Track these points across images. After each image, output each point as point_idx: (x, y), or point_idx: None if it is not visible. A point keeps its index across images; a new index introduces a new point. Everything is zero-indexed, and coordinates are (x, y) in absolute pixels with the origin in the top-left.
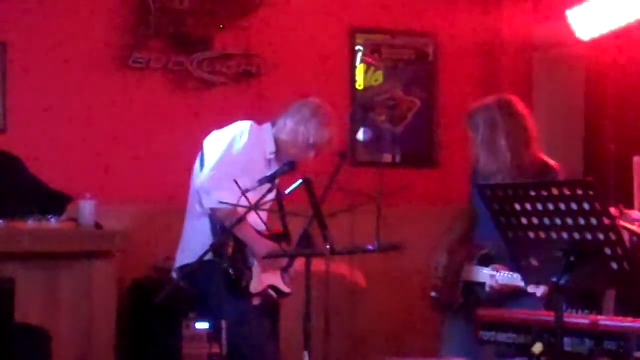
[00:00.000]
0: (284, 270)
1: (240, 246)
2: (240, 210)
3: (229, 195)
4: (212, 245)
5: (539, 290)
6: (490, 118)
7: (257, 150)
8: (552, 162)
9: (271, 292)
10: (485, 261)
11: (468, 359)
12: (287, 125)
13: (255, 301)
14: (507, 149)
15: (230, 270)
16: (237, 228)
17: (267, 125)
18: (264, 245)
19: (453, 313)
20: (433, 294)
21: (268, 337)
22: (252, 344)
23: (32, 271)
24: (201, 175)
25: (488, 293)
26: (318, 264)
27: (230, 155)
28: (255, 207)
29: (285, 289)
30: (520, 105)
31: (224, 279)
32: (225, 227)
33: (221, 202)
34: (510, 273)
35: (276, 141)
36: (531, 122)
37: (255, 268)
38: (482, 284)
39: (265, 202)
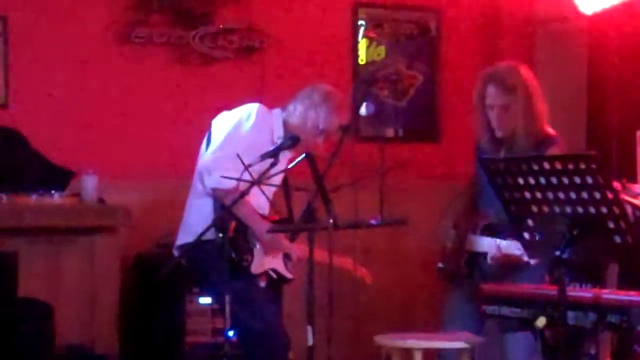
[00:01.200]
0: (287, 257)
1: (242, 227)
2: (242, 189)
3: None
4: (213, 221)
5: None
6: (525, 82)
7: (264, 134)
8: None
9: (272, 274)
10: (489, 231)
11: (470, 332)
12: (297, 109)
13: (262, 283)
14: (540, 113)
15: (232, 252)
16: (238, 207)
17: (277, 110)
18: (265, 226)
19: (457, 286)
20: (440, 265)
21: (275, 317)
22: (259, 322)
23: (35, 246)
24: (205, 155)
25: (489, 265)
26: (321, 255)
27: (235, 137)
28: (258, 181)
29: (288, 275)
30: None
31: (224, 258)
32: (226, 206)
33: (223, 177)
34: (515, 242)
35: (285, 126)
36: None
37: (257, 250)
38: (485, 255)
39: (269, 177)
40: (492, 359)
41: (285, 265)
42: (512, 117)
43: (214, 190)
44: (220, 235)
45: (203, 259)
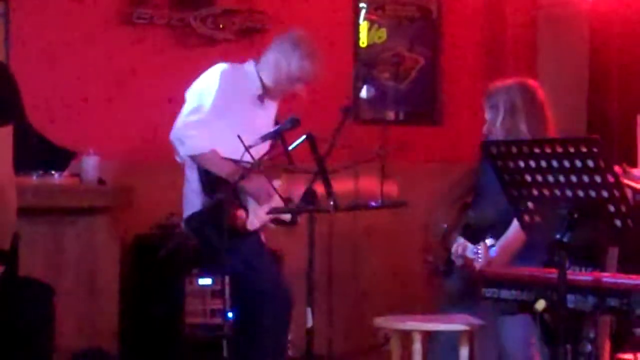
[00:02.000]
0: (289, 200)
1: (231, 187)
2: (214, 151)
3: (202, 141)
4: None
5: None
6: (511, 101)
7: (236, 91)
8: None
9: (272, 224)
10: (466, 232)
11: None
12: (270, 60)
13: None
14: (526, 135)
15: (223, 213)
16: (208, 164)
17: (249, 63)
18: (234, 172)
19: (443, 282)
20: (429, 258)
21: (277, 283)
22: (260, 291)
23: (36, 226)
24: (175, 124)
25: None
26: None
27: (202, 101)
28: (258, 164)
29: (287, 218)
30: (540, 92)
31: (217, 221)
32: (206, 172)
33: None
34: (473, 245)
35: (261, 78)
36: (550, 112)
37: (251, 204)
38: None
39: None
40: (487, 345)
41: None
42: (499, 132)
43: (191, 157)
44: (210, 199)
45: (201, 229)
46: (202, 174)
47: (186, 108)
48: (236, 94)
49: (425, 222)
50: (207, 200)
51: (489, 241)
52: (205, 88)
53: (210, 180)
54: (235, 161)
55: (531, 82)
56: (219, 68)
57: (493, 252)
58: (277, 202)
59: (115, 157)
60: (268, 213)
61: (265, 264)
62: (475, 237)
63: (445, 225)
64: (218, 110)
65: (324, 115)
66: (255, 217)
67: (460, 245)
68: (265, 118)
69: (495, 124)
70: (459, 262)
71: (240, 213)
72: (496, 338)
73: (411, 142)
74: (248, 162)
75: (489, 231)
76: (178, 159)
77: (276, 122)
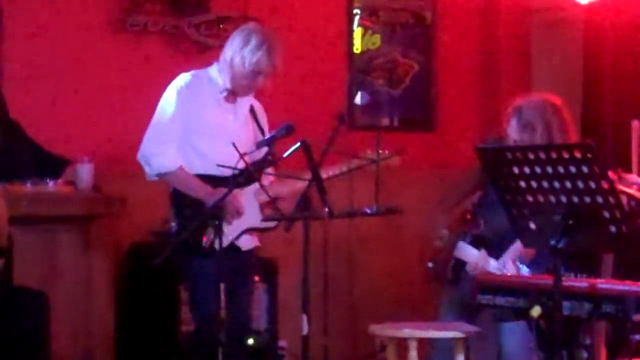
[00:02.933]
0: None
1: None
2: (182, 169)
3: (168, 159)
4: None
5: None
6: (546, 119)
7: (196, 99)
8: None
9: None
10: (478, 242)
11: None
12: (225, 59)
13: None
14: None
15: (189, 234)
16: (175, 182)
17: (212, 66)
18: (207, 190)
19: (445, 289)
20: (430, 264)
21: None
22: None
23: (30, 235)
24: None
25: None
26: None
27: (163, 117)
28: (253, 169)
29: (261, 225)
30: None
31: (181, 242)
32: (177, 192)
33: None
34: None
35: (222, 77)
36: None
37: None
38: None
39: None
40: (486, 352)
41: (265, 212)
42: None
43: (159, 177)
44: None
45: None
46: (171, 193)
47: (150, 126)
48: (198, 101)
49: (424, 227)
50: (177, 222)
51: (517, 259)
52: (164, 103)
53: (178, 199)
54: (207, 177)
55: (556, 99)
56: (175, 81)
57: (525, 271)
58: (251, 218)
59: (110, 165)
60: (262, 220)
61: (206, 288)
62: (490, 249)
63: (446, 231)
64: (181, 124)
65: (318, 121)
66: (230, 231)
67: (481, 259)
68: (238, 117)
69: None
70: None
71: (208, 234)
72: (496, 344)
73: (405, 148)
74: (242, 169)
75: (504, 242)
76: (147, 178)
77: (260, 129)
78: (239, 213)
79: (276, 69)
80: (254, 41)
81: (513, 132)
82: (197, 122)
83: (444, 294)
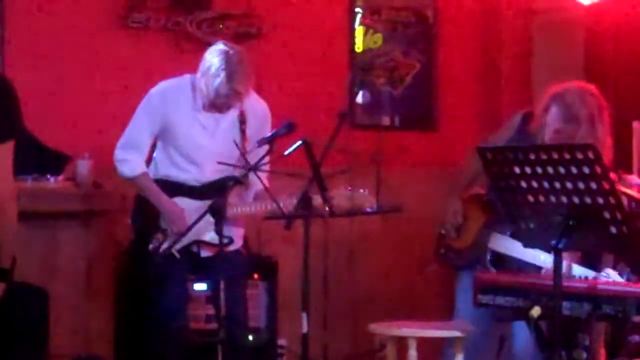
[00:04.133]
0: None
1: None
2: (143, 176)
3: (134, 165)
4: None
5: None
6: (590, 110)
7: (170, 108)
8: None
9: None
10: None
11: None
12: (197, 76)
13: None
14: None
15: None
16: (142, 188)
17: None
18: (167, 206)
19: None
20: (442, 250)
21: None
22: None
23: (30, 231)
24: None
25: None
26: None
27: (132, 124)
28: (254, 167)
29: (208, 240)
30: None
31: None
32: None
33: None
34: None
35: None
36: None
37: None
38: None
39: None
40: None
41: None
42: (568, 140)
43: (127, 180)
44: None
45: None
46: (135, 196)
47: (126, 130)
48: (171, 111)
49: (424, 226)
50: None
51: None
52: (137, 110)
53: (139, 203)
54: (177, 184)
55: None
56: (153, 89)
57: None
58: (199, 231)
59: (111, 161)
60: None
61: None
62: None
63: (462, 219)
64: (150, 132)
65: (319, 119)
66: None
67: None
68: (219, 126)
69: (575, 136)
70: None
71: (158, 236)
72: (496, 341)
73: (406, 147)
74: (242, 167)
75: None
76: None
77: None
78: (181, 223)
79: (238, 93)
80: (214, 67)
81: (555, 122)
82: (173, 131)
83: (461, 280)
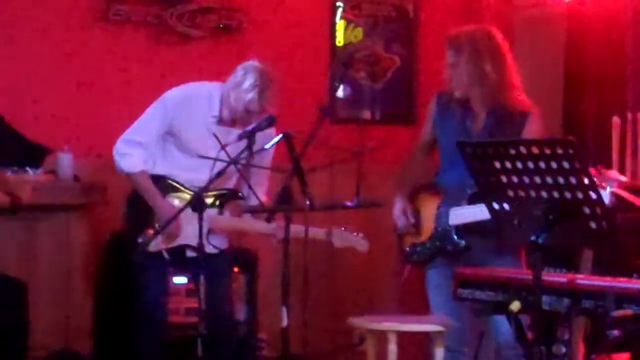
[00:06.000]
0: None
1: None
2: (142, 174)
3: (135, 162)
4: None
5: None
6: (475, 44)
7: (183, 118)
8: (531, 106)
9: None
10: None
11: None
12: (224, 90)
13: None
14: (492, 75)
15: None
16: (135, 184)
17: (216, 86)
18: (160, 205)
19: (433, 265)
20: (407, 249)
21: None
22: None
23: (10, 223)
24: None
25: None
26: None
27: (143, 122)
28: (234, 161)
29: (204, 249)
30: (502, 38)
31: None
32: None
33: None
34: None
35: (222, 102)
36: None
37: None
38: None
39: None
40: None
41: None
42: (460, 76)
43: (123, 174)
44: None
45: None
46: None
47: (133, 125)
48: (184, 121)
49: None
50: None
51: None
52: (150, 111)
53: (133, 199)
54: (175, 185)
55: (493, 28)
56: (170, 93)
57: None
58: (188, 237)
59: (90, 154)
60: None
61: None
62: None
63: (412, 207)
64: (158, 136)
65: (300, 113)
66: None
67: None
68: (227, 141)
69: (457, 66)
70: None
71: (148, 232)
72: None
73: (387, 141)
74: (225, 160)
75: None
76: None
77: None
78: (175, 233)
79: (264, 108)
80: (248, 81)
81: (447, 58)
82: (180, 136)
83: (429, 278)
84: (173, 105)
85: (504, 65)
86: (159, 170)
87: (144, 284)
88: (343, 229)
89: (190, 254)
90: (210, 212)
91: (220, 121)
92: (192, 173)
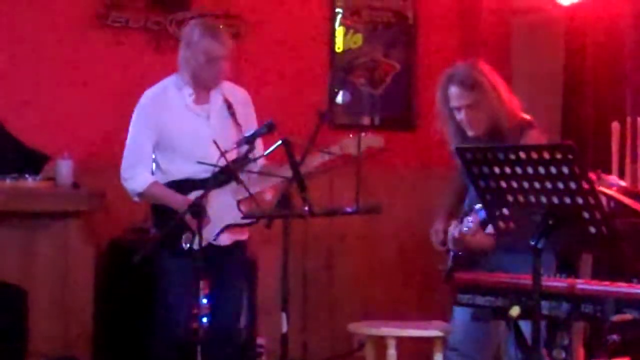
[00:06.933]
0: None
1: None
2: (153, 185)
3: (140, 180)
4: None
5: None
6: (486, 76)
7: (163, 111)
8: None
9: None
10: None
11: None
12: (180, 59)
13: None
14: (509, 103)
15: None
16: (150, 194)
17: (174, 75)
18: (180, 200)
19: None
20: (440, 267)
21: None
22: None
23: (9, 230)
24: None
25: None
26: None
27: (129, 139)
28: (234, 167)
29: (240, 222)
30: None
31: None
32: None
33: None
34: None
35: (184, 78)
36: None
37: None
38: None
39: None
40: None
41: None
42: (482, 113)
43: (139, 197)
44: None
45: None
46: (151, 209)
47: (125, 150)
48: (166, 113)
49: (403, 225)
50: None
51: (478, 206)
52: (131, 125)
53: (158, 213)
54: (189, 181)
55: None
56: (140, 100)
57: (482, 214)
58: (229, 216)
59: (90, 161)
60: (243, 218)
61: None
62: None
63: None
64: (150, 140)
65: (299, 119)
66: (209, 232)
67: (456, 227)
68: (213, 117)
69: (479, 104)
70: (457, 245)
71: (187, 235)
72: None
73: (386, 147)
74: (223, 167)
75: None
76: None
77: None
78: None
79: (229, 49)
80: (197, 32)
81: (458, 99)
82: (170, 132)
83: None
84: (148, 105)
85: (508, 91)
86: (170, 180)
87: (171, 300)
88: (351, 135)
89: (224, 241)
90: (231, 185)
91: (197, 98)
92: (199, 166)
